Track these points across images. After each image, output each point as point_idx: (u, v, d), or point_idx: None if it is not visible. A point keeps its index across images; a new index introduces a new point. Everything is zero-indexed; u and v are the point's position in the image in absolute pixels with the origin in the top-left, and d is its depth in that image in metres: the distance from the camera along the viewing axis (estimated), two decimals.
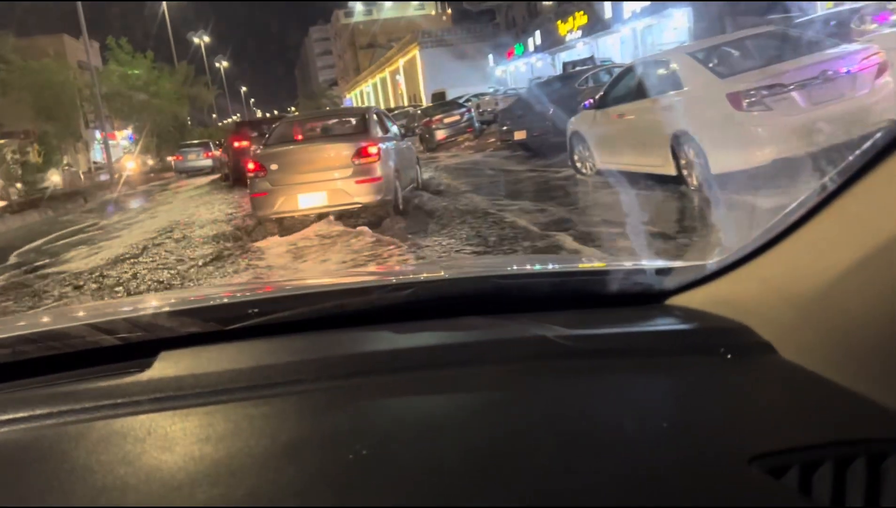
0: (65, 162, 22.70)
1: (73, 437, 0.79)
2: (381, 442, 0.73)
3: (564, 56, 30.62)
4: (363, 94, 74.99)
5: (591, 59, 22.66)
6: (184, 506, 0.64)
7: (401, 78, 53.94)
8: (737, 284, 0.92)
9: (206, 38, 62.53)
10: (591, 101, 9.16)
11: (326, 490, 0.66)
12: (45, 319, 1.49)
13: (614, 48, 28.47)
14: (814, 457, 0.68)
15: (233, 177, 17.96)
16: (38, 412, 0.85)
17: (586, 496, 0.64)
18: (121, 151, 36.19)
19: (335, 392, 0.85)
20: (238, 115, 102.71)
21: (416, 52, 47.59)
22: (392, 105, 54.69)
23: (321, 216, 8.35)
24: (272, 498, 0.65)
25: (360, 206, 7.95)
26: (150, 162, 35.95)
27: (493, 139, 19.90)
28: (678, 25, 24.29)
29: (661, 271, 1.10)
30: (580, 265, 1.59)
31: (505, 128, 15.11)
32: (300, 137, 8.99)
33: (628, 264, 1.28)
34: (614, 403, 0.81)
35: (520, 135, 14.06)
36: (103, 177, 28.19)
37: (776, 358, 0.84)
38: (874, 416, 0.74)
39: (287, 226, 8.38)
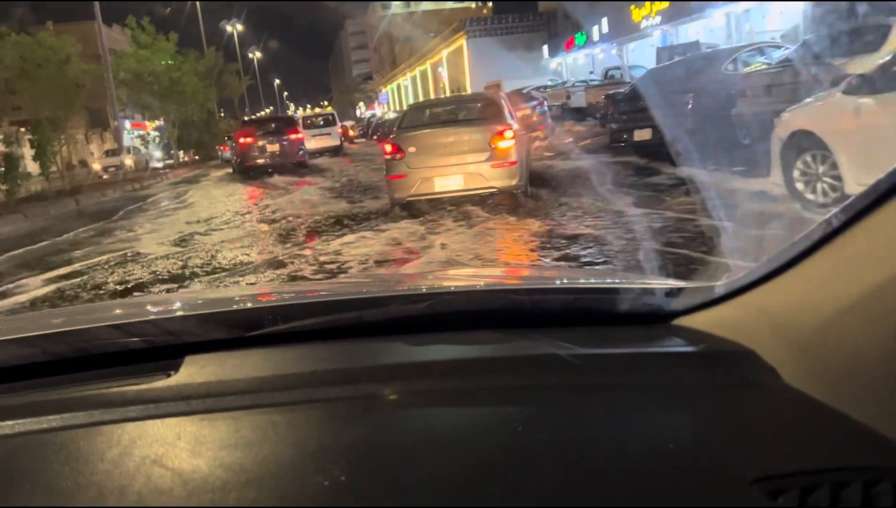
0: (55, 153, 19.21)
1: (104, 438, 0.81)
2: (400, 455, 0.77)
3: (657, 41, 26.61)
4: (400, 88, 71.42)
5: (697, 43, 18.73)
6: None
7: (444, 70, 50.15)
8: (743, 308, 0.93)
9: (240, 27, 59.54)
10: (850, 81, 5.37)
11: (349, 500, 0.69)
12: (72, 318, 1.51)
13: (700, 37, 24.41)
14: (812, 481, 0.71)
15: (238, 170, 18.92)
16: (67, 413, 0.86)
17: None
18: (146, 142, 33.16)
19: (356, 403, 0.88)
20: (271, 108, 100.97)
21: (462, 42, 43.80)
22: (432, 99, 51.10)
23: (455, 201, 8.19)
24: (299, 506, 0.68)
25: (494, 190, 7.99)
26: (173, 154, 32.57)
27: (570, 139, 16.31)
28: (788, 8, 20.20)
29: (670, 292, 1.11)
30: (591, 282, 1.66)
31: (616, 126, 11.35)
32: (436, 120, 8.99)
33: (638, 283, 1.30)
34: (621, 423, 0.83)
35: (642, 135, 10.32)
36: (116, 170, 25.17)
37: (780, 383, 0.86)
38: (872, 444, 0.77)
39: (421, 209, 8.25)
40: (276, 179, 17.45)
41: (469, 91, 42.47)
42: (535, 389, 0.91)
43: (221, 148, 30.06)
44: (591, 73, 32.78)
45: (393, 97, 75.26)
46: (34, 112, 18.32)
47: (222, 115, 54.70)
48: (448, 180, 7.98)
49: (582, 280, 1.84)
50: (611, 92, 14.99)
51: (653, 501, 0.68)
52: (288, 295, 1.57)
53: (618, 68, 23.43)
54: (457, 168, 7.92)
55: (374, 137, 41.34)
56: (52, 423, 0.85)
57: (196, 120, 36.01)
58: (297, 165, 18.71)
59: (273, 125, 19.95)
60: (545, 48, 40.05)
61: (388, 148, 8.35)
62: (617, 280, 1.54)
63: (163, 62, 29.20)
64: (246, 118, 26.21)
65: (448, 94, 47.30)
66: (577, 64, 36.96)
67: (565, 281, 1.71)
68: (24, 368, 1.02)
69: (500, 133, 7.90)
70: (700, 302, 1.03)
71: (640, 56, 28.92)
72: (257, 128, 19.58)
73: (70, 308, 4.37)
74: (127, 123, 40.67)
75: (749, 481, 0.70)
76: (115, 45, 30.52)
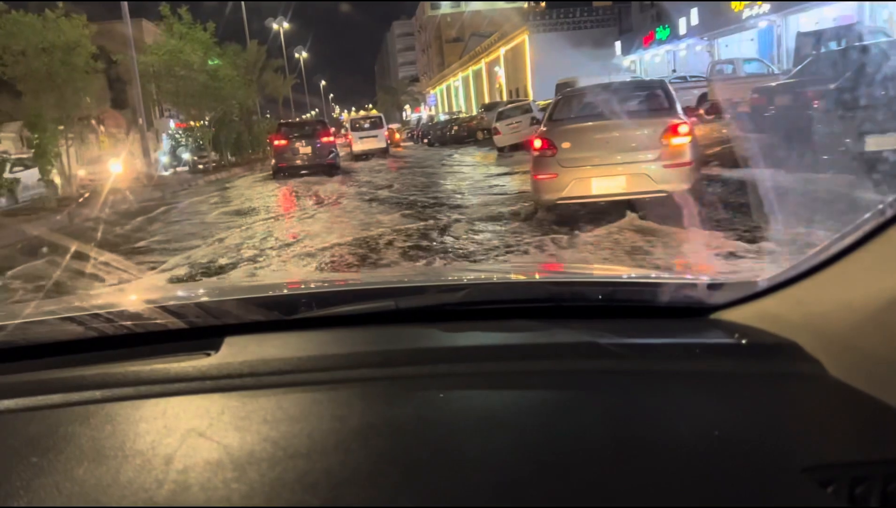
0: (57, 155, 16.20)
1: (148, 411, 0.83)
2: (444, 434, 0.77)
3: (754, 35, 22.67)
4: (450, 88, 68.27)
5: (854, 26, 14.87)
6: (262, 481, 0.67)
7: (500, 70, 46.81)
8: (788, 301, 0.92)
9: (286, 25, 56.98)
10: None
11: (395, 474, 0.69)
12: (116, 299, 1.65)
13: (812, 27, 20.39)
14: (863, 473, 0.70)
15: (273, 170, 19.55)
16: (112, 386, 0.89)
17: (642, 498, 0.66)
18: (177, 144, 30.47)
19: (397, 383, 0.88)
20: (316, 110, 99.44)
21: (524, 38, 40.33)
22: (486, 101, 47.61)
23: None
24: (346, 479, 0.68)
25: (664, 195, 6.75)
26: (206, 158, 29.58)
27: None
28: None
29: (711, 286, 1.09)
30: (632, 276, 1.64)
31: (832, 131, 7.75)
32: (594, 111, 7.65)
33: (679, 277, 1.34)
34: (666, 411, 0.82)
35: (883, 143, 6.66)
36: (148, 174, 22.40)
37: (825, 376, 0.85)
38: None
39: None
40: (326, 185, 16.20)
41: (531, 91, 38.95)
42: (576, 374, 0.89)
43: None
44: (674, 71, 29.02)
45: (442, 99, 72.12)
46: (35, 106, 15.31)
47: (268, 115, 52.22)
48: (608, 182, 6.93)
49: (623, 275, 1.75)
50: (767, 86, 11.28)
51: (701, 486, 0.68)
52: (326, 283, 1.66)
53: (730, 62, 19.66)
54: (620, 168, 6.83)
55: (425, 140, 38.38)
56: (97, 396, 0.87)
57: (236, 119, 33.16)
58: (328, 168, 19.42)
59: (306, 129, 20.83)
60: (618, 44, 36.21)
61: (538, 143, 7.35)
62: (657, 275, 1.63)
63: (198, 54, 26.27)
64: (281, 121, 26.27)
65: (505, 96, 43.84)
66: (653, 62, 33.07)
67: (606, 275, 1.69)
68: (73, 344, 1.05)
69: (674, 128, 6.78)
70: (742, 296, 1.00)
71: (736, 51, 25.04)
72: (291, 131, 20.39)
73: (117, 291, 4.03)
74: (172, 123, 38.16)
75: (798, 470, 0.70)
76: (156, 40, 27.80)
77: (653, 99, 7.88)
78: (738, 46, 25.77)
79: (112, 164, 20.66)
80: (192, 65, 26.26)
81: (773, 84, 11.12)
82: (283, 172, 19.39)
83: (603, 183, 6.97)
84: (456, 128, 35.41)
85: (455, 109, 53.37)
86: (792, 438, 0.77)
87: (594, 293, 1.22)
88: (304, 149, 19.64)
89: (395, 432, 0.77)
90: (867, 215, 0.80)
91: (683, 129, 6.87)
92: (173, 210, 14.29)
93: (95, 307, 1.22)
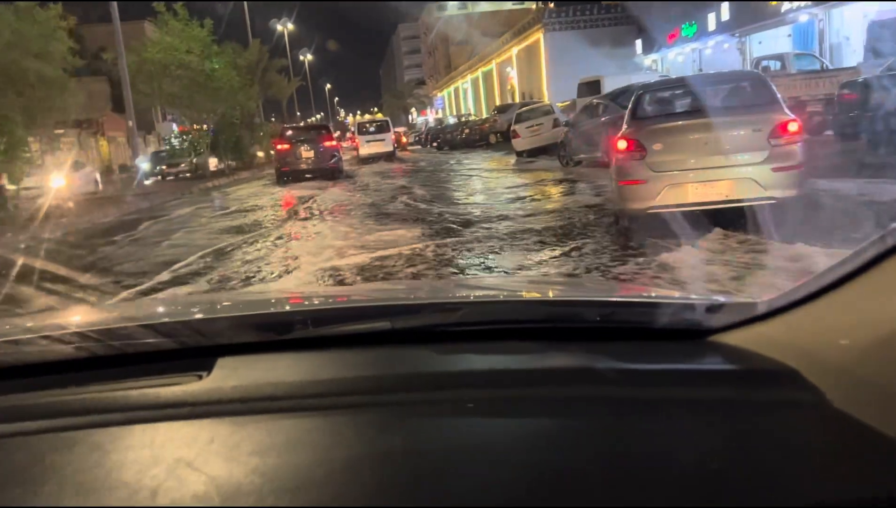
0: (27, 161, 14.41)
1: (136, 438, 0.81)
2: (436, 464, 0.75)
3: (790, 30, 20.84)
4: (458, 91, 66.58)
5: None
6: None
7: (512, 70, 44.98)
8: (788, 326, 0.91)
9: (290, 26, 55.37)
10: None
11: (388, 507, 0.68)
12: (106, 317, 1.51)
13: (859, 22, 18.54)
14: None
15: (277, 174, 19.80)
16: (99, 411, 0.86)
17: None
18: (172, 147, 28.78)
19: (389, 410, 0.87)
20: (321, 113, 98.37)
21: (538, 37, 38.47)
22: (497, 103, 45.90)
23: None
24: None
25: (772, 201, 5.81)
26: (177, 165, 27.64)
27: None
28: None
29: (710, 308, 1.09)
30: (629, 296, 1.61)
31: None
32: (686, 108, 6.87)
33: (677, 298, 1.30)
34: (663, 441, 0.81)
35: None
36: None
37: (825, 404, 0.83)
38: None
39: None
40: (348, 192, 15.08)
41: (546, 92, 37.19)
42: (572, 402, 0.88)
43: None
44: (700, 70, 27.27)
45: (449, 102, 70.48)
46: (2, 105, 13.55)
47: (273, 119, 50.51)
48: (708, 188, 5.97)
49: (620, 294, 1.75)
50: (859, 80, 9.48)
51: None
52: (320, 300, 1.66)
53: (778, 58, 17.85)
54: (722, 171, 5.94)
55: (434, 144, 36.83)
56: (83, 421, 0.85)
57: (236, 122, 31.48)
58: (331, 172, 19.48)
59: (309, 133, 21.07)
60: (638, 42, 34.42)
61: (622, 144, 6.42)
62: (655, 295, 1.53)
63: (194, 53, 24.54)
64: (285, 126, 26.60)
65: (517, 98, 42.12)
66: (676, 61, 31.29)
67: (602, 294, 1.67)
68: (58, 365, 1.02)
69: (783, 126, 5.93)
70: (741, 319, 0.99)
71: (771, 48, 23.26)
72: (294, 135, 20.58)
73: (104, 308, 3.61)
74: (175, 127, 36.52)
75: (799, 506, 0.68)
76: (154, 39, 26.12)
77: (751, 93, 6.85)
78: (773, 43, 23.98)
79: (55, 178, 17.64)
80: (189, 64, 24.55)
81: (865, 78, 9.34)
82: (287, 176, 19.66)
83: (702, 189, 5.99)
84: (467, 131, 33.81)
85: (465, 112, 51.74)
86: (792, 472, 0.74)
87: (591, 314, 1.19)
88: (307, 153, 19.75)
89: (386, 463, 0.76)
90: (868, 242, 0.78)
91: (793, 126, 5.97)
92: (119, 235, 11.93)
93: (82, 326, 1.23)
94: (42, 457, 0.78)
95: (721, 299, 1.11)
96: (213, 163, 28.67)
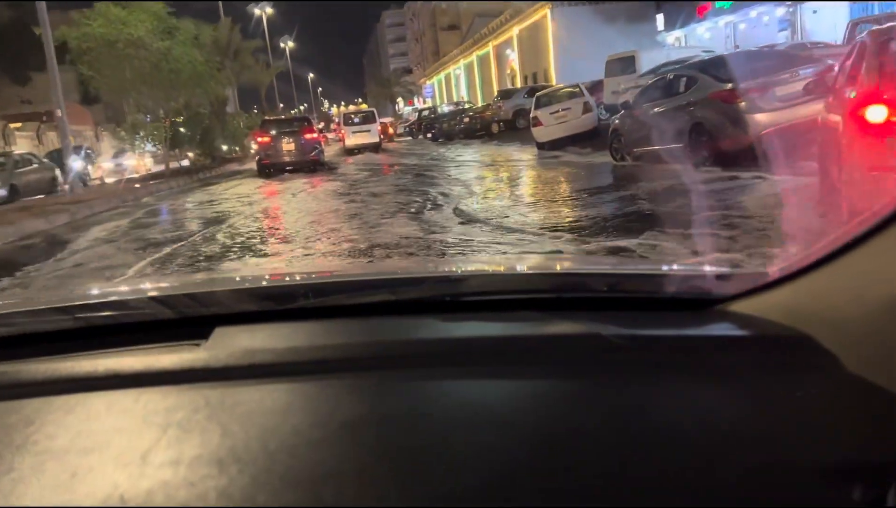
0: None
1: (130, 402, 0.81)
2: (437, 428, 0.74)
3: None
4: (450, 77, 62.57)
5: None
6: (241, 478, 0.65)
7: (513, 53, 41.03)
8: (800, 292, 0.90)
9: (269, 10, 51.08)
10: None
11: (386, 470, 0.67)
12: (105, 290, 1.60)
13: None
14: (883, 474, 0.67)
15: (258, 167, 20.06)
16: (94, 377, 0.87)
17: (643, 496, 0.64)
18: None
19: (389, 376, 0.86)
20: (304, 105, 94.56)
21: (545, 13, 34.53)
22: (495, 88, 42.08)
23: None
24: (333, 475, 0.66)
25: None
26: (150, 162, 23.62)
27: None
28: None
29: (720, 277, 1.08)
30: (638, 267, 1.63)
31: None
32: None
33: (685, 268, 1.27)
34: (674, 406, 0.79)
35: None
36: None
37: (841, 370, 0.81)
38: None
39: None
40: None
41: (554, 74, 33.39)
42: (579, 366, 0.87)
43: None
44: (737, 47, 23.73)
45: (440, 89, 66.54)
46: None
47: (255, 110, 46.29)
48: None
49: (628, 266, 1.73)
50: None
51: (709, 485, 0.65)
52: (321, 273, 1.56)
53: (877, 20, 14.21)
54: None
55: (429, 134, 33.11)
56: (77, 386, 0.85)
57: (203, 111, 27.43)
58: (312, 164, 19.43)
59: (290, 125, 20.93)
60: (659, 17, 30.65)
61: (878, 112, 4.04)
62: (663, 267, 1.49)
63: (146, 27, 20.38)
64: (267, 117, 26.25)
65: (518, 83, 38.29)
66: (702, 38, 27.61)
67: (610, 266, 1.65)
68: (57, 335, 1.02)
69: None
70: (752, 287, 0.97)
71: (830, 18, 19.67)
72: (275, 128, 20.50)
73: (104, 284, 4.04)
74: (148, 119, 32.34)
75: (815, 469, 0.67)
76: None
77: None
78: (833, 13, 20.38)
79: None
80: (140, 41, 20.46)
81: None
82: (268, 168, 19.51)
83: None
84: (467, 119, 30.00)
85: (461, 99, 47.84)
86: (807, 435, 0.73)
87: (598, 284, 1.19)
88: (288, 146, 19.56)
89: (387, 426, 0.74)
90: (882, 204, 0.77)
91: None
92: None
93: (83, 298, 1.24)
94: (33, 421, 0.78)
95: (730, 269, 1.08)
96: (176, 159, 24.62)
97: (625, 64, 19.05)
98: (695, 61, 11.60)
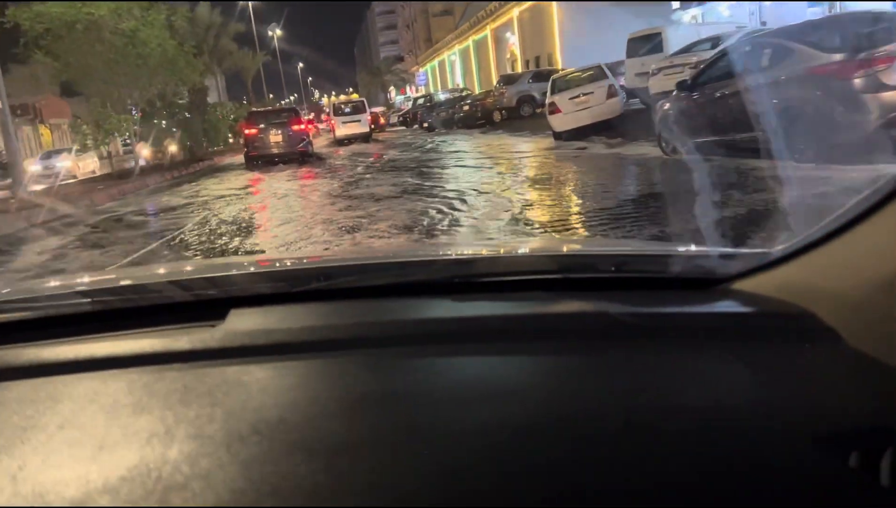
0: None
1: (148, 382, 0.82)
2: (448, 404, 0.75)
3: None
4: (444, 64, 60.13)
5: None
6: (255, 451, 0.67)
7: (513, 36, 38.64)
8: (803, 269, 0.91)
9: None
10: None
11: (397, 443, 0.69)
12: (123, 274, 1.62)
13: None
14: (878, 442, 0.69)
15: (246, 159, 20.03)
16: (113, 359, 0.88)
17: (649, 469, 0.65)
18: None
19: (401, 354, 0.87)
20: (294, 95, 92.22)
21: None
22: (494, 75, 39.81)
23: None
24: (347, 447, 0.68)
25: None
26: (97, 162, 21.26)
27: None
28: None
29: (724, 256, 1.09)
30: (643, 248, 1.62)
31: None
32: None
33: (692, 248, 1.29)
34: (678, 381, 0.81)
35: None
36: None
37: (842, 345, 0.83)
38: None
39: None
40: None
41: (559, 57, 31.14)
42: (586, 344, 0.88)
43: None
44: (764, 23, 21.61)
45: (434, 77, 64.17)
46: None
47: (244, 101, 43.74)
48: None
49: (633, 247, 1.74)
50: None
51: (714, 457, 0.67)
52: (332, 257, 1.66)
53: None
54: None
55: (425, 124, 30.95)
56: (94, 367, 0.86)
57: (179, 101, 25.12)
58: (300, 156, 19.30)
59: (277, 117, 20.79)
60: None
61: None
62: (668, 247, 1.48)
63: (108, 5, 17.98)
64: (253, 109, 26.63)
65: (520, 67, 36.01)
66: (721, 17, 25.46)
67: (615, 247, 1.68)
68: (73, 318, 1.03)
69: None
70: (756, 265, 0.98)
71: None
72: (262, 119, 20.45)
73: (120, 268, 4.16)
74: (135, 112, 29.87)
75: (817, 438, 0.69)
76: None
77: None
78: None
79: None
80: (102, 22, 18.11)
81: None
82: (256, 160, 19.39)
83: None
84: (466, 108, 27.82)
85: (458, 86, 45.46)
86: (809, 407, 0.75)
87: (605, 265, 1.20)
88: (275, 137, 19.46)
89: (397, 400, 0.76)
90: (885, 180, 0.77)
91: None
92: None
93: (101, 282, 1.28)
94: (59, 399, 0.80)
95: (734, 249, 1.09)
96: (146, 155, 22.29)
97: (650, 42, 16.89)
98: (777, 29, 9.41)
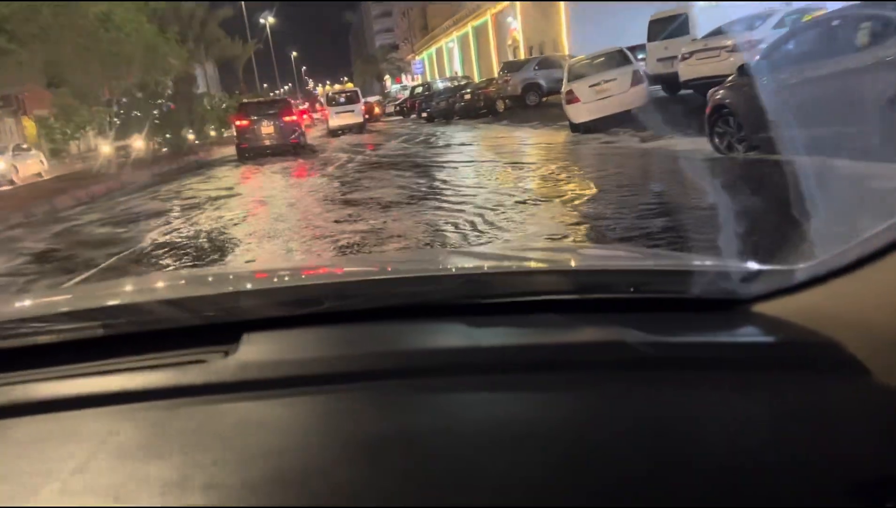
0: None
1: (162, 415, 0.81)
2: (464, 446, 0.75)
3: None
4: (442, 52, 58.31)
5: None
6: (276, 501, 0.67)
7: (515, 21, 36.88)
8: (829, 295, 0.88)
9: None
10: None
11: (414, 491, 0.68)
12: (128, 289, 1.54)
13: None
14: None
15: (238, 151, 19.50)
16: (123, 390, 0.86)
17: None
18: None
19: (417, 388, 0.86)
20: (289, 84, 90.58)
21: None
22: (495, 62, 38.18)
23: None
24: (358, 497, 0.67)
25: None
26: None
27: None
28: None
29: (746, 277, 1.06)
30: (661, 264, 1.55)
31: None
32: None
33: (710, 266, 1.26)
34: (700, 418, 0.79)
35: None
36: None
37: (869, 379, 0.79)
38: None
39: None
40: None
41: (566, 43, 29.50)
42: (605, 376, 0.87)
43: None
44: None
45: (431, 65, 62.45)
46: None
47: (238, 92, 41.93)
48: None
49: (650, 262, 1.66)
50: None
51: (740, 496, 0.66)
52: (342, 272, 1.59)
53: None
54: None
55: (423, 114, 29.48)
56: (102, 400, 0.84)
57: (161, 91, 23.52)
58: (293, 147, 19.04)
59: (269, 107, 20.57)
60: None
61: None
62: (686, 262, 1.45)
63: None
64: (245, 100, 25.85)
65: (522, 54, 34.35)
66: None
67: (632, 262, 1.63)
68: (74, 344, 1.01)
69: None
70: (778, 288, 0.95)
71: None
72: (254, 110, 20.15)
73: (115, 282, 3.55)
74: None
75: (843, 484, 0.67)
76: None
77: None
78: None
79: None
80: (72, 2, 16.45)
81: None
82: (247, 152, 19.10)
83: None
84: (468, 96, 26.29)
85: (457, 74, 43.70)
86: (840, 448, 0.72)
87: (622, 284, 1.16)
88: (267, 129, 19.19)
89: (413, 444, 0.75)
90: None
91: None
92: None
93: (98, 302, 1.23)
94: (56, 439, 0.78)
95: (756, 266, 1.07)
96: (109, 151, 20.66)
97: (674, 24, 15.32)
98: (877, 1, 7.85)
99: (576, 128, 13.66)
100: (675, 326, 0.98)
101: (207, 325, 1.03)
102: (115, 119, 19.49)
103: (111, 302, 1.18)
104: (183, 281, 1.74)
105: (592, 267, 1.44)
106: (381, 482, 0.68)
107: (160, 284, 1.70)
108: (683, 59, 13.25)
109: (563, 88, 14.02)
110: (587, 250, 3.12)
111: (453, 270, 1.46)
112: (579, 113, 13.41)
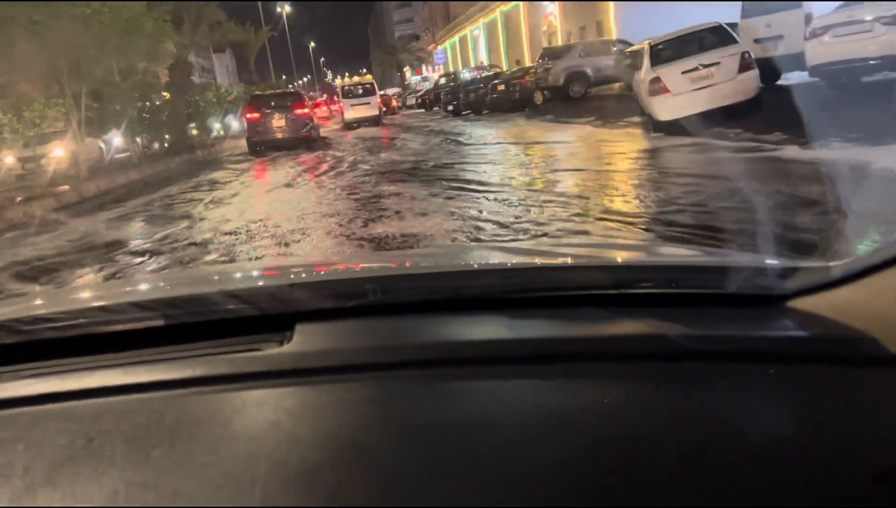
0: None
1: (221, 403, 0.83)
2: (509, 431, 0.76)
3: None
4: (466, 41, 54.84)
5: None
6: (337, 480, 0.69)
7: (551, 4, 33.31)
8: (865, 292, 0.89)
9: None
10: None
11: (463, 473, 0.70)
12: (187, 281, 1.61)
13: None
14: None
15: (248, 145, 19.32)
16: (181, 377, 0.88)
17: (714, 504, 0.66)
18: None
19: (461, 377, 0.88)
20: (308, 77, 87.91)
21: None
22: (526, 52, 34.77)
23: None
24: (410, 479, 0.70)
25: None
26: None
27: None
28: None
29: (782, 273, 1.07)
30: (698, 260, 1.54)
31: None
32: None
33: (748, 262, 1.26)
34: (738, 411, 0.80)
35: None
36: None
37: None
38: None
39: None
40: None
41: (614, 27, 25.98)
42: (643, 369, 0.88)
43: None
44: None
45: (453, 55, 59.15)
46: None
47: (254, 85, 38.95)
48: None
49: (688, 257, 1.66)
50: None
51: (776, 494, 0.67)
52: (385, 267, 1.61)
53: None
54: None
55: (449, 107, 26.40)
56: (164, 388, 0.87)
57: (151, 81, 20.47)
58: (305, 141, 18.75)
59: (280, 101, 20.24)
60: None
61: None
62: (724, 258, 1.48)
63: None
64: (257, 92, 25.14)
65: (559, 40, 30.88)
66: None
67: (670, 258, 1.63)
68: (132, 334, 1.04)
69: None
70: (815, 284, 0.96)
71: None
72: (265, 103, 19.97)
73: (173, 274, 3.83)
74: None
75: (878, 476, 0.68)
76: None
77: None
78: None
79: None
80: None
81: None
82: (259, 146, 18.94)
83: None
84: (501, 87, 23.04)
85: (483, 64, 40.30)
86: (875, 441, 0.73)
87: (662, 280, 1.16)
88: (278, 122, 19.01)
89: (464, 431, 0.77)
90: None
91: None
92: None
93: (156, 294, 1.29)
94: (119, 425, 0.80)
95: (793, 263, 1.09)
96: (75, 151, 17.56)
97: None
98: None
99: (659, 127, 10.34)
100: (714, 320, 0.99)
101: (260, 316, 1.04)
102: (88, 113, 16.27)
103: (172, 293, 1.21)
104: (239, 274, 1.83)
105: (631, 262, 1.44)
106: (431, 464, 0.71)
107: (216, 277, 1.72)
108: (815, 35, 9.84)
109: (645, 76, 10.66)
110: (624, 245, 3.00)
111: (495, 264, 1.48)
112: (669, 108, 10.07)
